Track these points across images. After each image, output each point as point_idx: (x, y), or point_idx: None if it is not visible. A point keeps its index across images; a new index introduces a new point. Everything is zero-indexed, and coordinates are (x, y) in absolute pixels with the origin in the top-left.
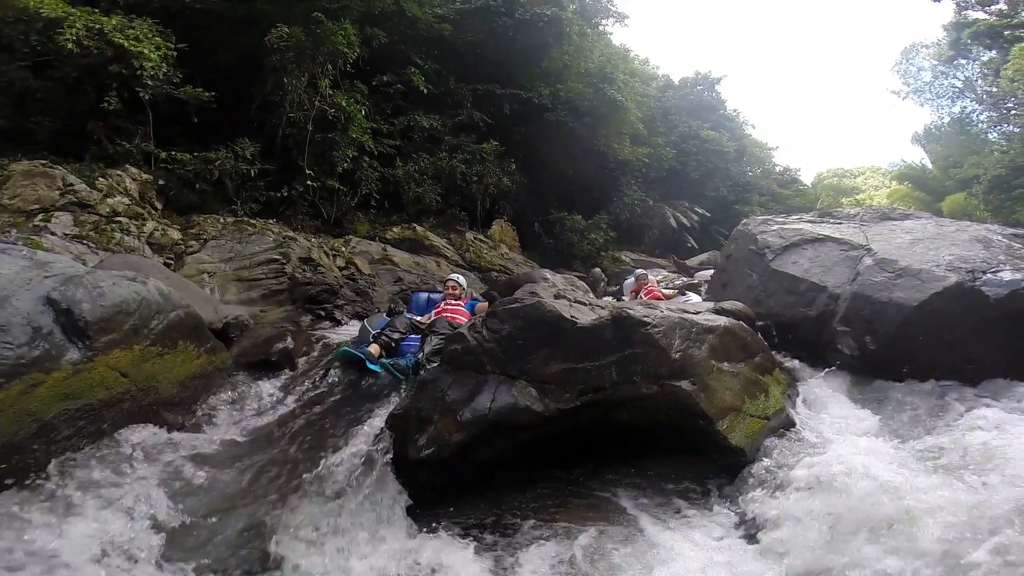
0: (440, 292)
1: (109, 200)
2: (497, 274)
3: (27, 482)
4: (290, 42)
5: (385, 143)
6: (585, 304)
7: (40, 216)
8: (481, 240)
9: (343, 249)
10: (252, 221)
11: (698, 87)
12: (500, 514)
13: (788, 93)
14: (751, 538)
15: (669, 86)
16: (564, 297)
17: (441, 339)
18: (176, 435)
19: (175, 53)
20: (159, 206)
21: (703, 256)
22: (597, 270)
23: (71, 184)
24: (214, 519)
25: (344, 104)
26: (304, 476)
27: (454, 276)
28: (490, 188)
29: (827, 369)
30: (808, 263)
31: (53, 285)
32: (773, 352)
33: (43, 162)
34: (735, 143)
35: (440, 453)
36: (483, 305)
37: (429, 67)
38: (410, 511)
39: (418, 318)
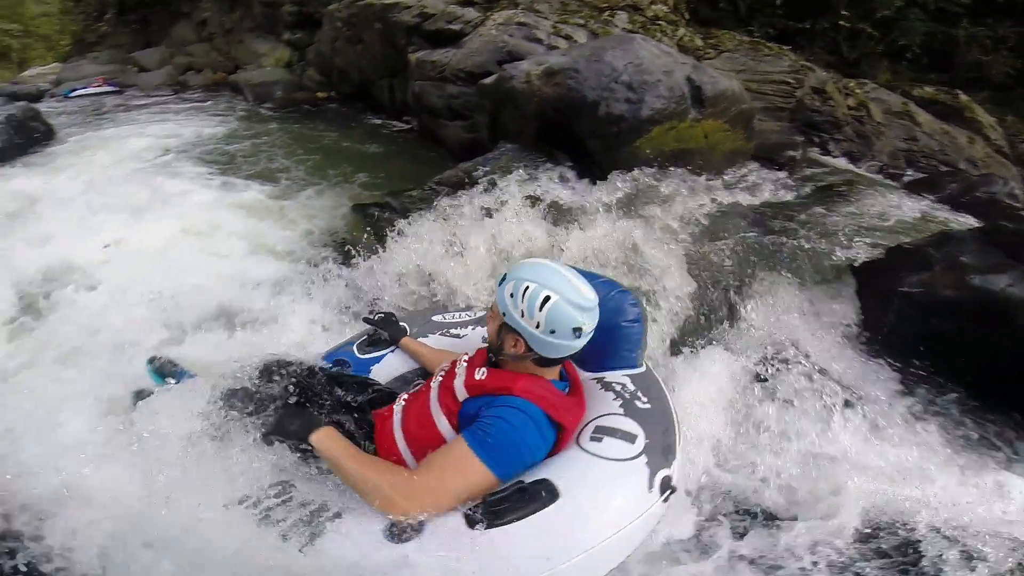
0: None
1: (653, 7)
2: None
3: None
4: None
5: None
6: None
7: (607, 13)
8: None
9: (857, 91)
10: (768, 44)
11: None
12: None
13: None
14: None
15: None
16: None
17: None
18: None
19: None
20: (687, 17)
21: None
22: None
23: None
24: None
25: None
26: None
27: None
28: None
29: None
30: None
31: (688, 70)
32: None
33: None
34: None
35: (921, 297)
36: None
37: None
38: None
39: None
